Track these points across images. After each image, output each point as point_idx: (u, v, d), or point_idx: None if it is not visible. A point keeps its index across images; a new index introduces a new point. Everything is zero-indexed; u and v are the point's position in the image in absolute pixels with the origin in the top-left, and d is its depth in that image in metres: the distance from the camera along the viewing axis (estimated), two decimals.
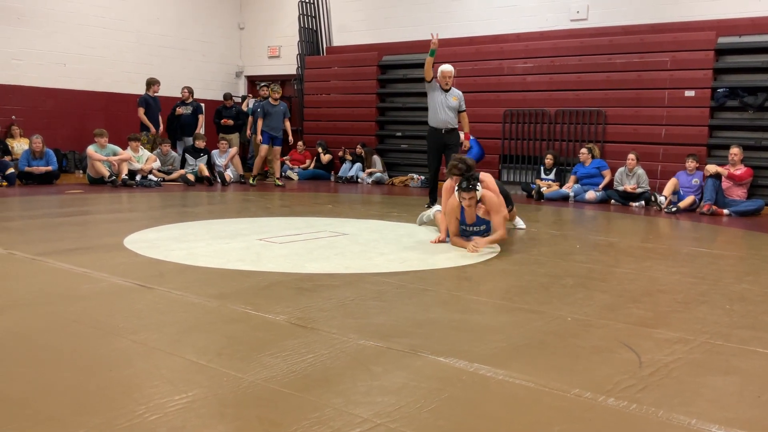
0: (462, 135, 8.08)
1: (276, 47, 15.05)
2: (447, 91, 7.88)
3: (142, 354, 2.59)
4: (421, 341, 2.80)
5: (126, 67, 13.24)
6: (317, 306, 3.35)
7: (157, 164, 10.92)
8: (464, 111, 8.01)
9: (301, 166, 13.09)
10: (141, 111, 11.41)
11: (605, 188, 9.77)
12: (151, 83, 11.59)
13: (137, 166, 10.59)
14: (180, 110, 11.95)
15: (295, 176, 12.62)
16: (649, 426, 2.05)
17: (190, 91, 12.18)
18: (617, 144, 10.23)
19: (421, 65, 12.41)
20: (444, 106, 7.83)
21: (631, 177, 9.51)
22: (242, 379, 2.33)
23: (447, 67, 7.93)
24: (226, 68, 15.41)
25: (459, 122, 8.03)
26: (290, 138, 11.19)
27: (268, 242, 5.30)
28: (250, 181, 11.08)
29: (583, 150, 10.04)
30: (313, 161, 13.11)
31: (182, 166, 11.41)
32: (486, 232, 5.25)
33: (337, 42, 14.09)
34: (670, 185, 8.95)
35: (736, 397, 2.31)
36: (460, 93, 8.00)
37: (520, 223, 6.45)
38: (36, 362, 2.49)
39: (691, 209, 8.71)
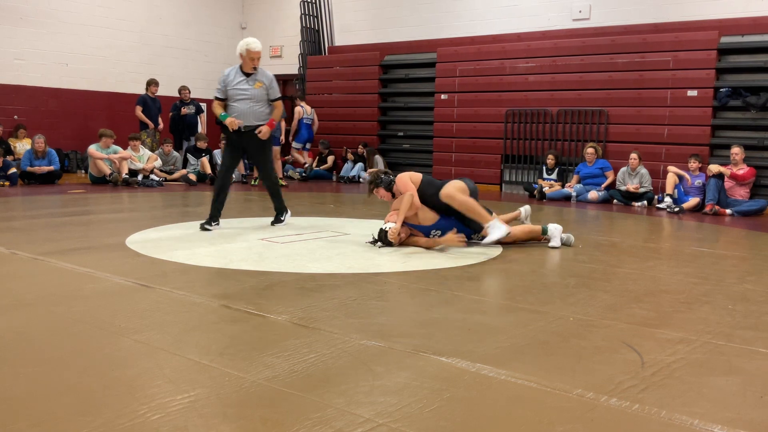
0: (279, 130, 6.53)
1: (278, 47, 15.06)
2: (249, 75, 5.96)
3: (144, 354, 2.59)
4: (423, 341, 2.80)
5: (129, 67, 13.26)
6: (319, 306, 3.36)
7: (158, 164, 10.95)
8: (278, 99, 6.10)
9: (304, 166, 13.10)
10: (138, 109, 11.52)
11: (607, 188, 9.77)
12: (149, 83, 11.71)
13: (139, 165, 10.61)
14: (185, 110, 12.01)
15: (297, 176, 12.62)
16: (651, 426, 2.05)
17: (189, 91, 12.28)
18: (619, 144, 10.23)
19: (423, 65, 12.60)
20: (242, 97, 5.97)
21: (633, 177, 9.49)
22: (244, 378, 2.33)
23: (256, 45, 5.88)
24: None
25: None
26: (281, 138, 11.27)
27: (270, 242, 5.30)
28: (252, 182, 11.09)
29: (590, 150, 9.97)
30: (315, 161, 13.12)
31: (184, 166, 11.43)
32: (443, 234, 5.13)
33: (338, 42, 14.09)
34: (670, 182, 8.96)
35: (738, 397, 2.31)
36: (270, 75, 6.07)
37: (556, 236, 5.34)
38: (38, 362, 2.49)
39: (695, 210, 8.71)
